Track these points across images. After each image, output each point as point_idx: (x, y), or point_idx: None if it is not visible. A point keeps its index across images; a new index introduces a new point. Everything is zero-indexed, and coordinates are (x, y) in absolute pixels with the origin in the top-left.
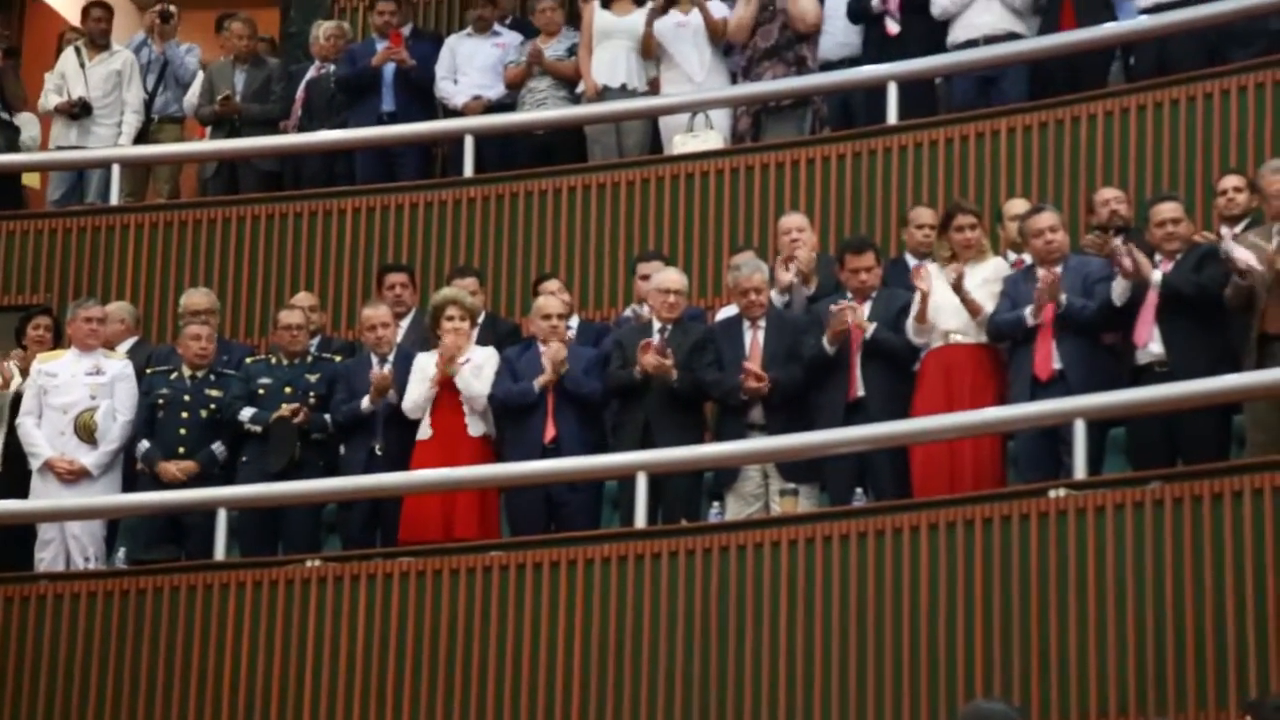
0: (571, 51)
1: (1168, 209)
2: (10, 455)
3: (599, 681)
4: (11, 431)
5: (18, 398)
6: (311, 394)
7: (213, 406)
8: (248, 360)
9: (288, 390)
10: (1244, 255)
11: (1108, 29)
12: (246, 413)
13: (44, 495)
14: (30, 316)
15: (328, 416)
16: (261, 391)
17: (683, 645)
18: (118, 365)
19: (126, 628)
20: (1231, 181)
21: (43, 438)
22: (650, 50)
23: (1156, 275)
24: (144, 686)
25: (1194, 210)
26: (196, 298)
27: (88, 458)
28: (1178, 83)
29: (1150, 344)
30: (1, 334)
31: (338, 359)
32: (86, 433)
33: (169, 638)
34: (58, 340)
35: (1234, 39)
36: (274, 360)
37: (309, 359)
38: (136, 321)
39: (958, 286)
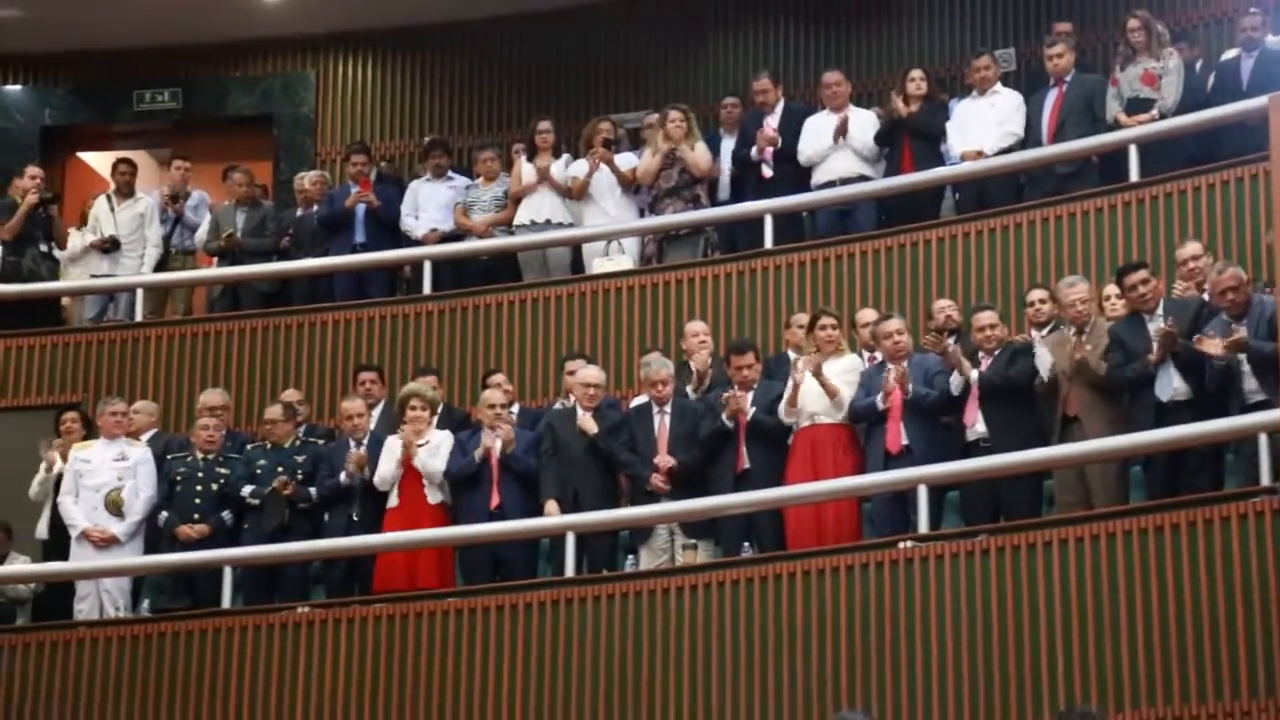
0: (506, 194)
1: (985, 316)
2: (55, 526)
3: (536, 702)
4: (55, 508)
5: (59, 480)
6: (299, 472)
7: (221, 482)
8: (248, 446)
9: (280, 470)
10: (1045, 362)
11: (938, 172)
12: (247, 489)
13: (81, 558)
14: (64, 411)
15: (312, 490)
16: (259, 470)
17: (604, 672)
18: (139, 452)
19: (150, 666)
20: (1037, 294)
21: (79, 513)
22: (581, 195)
23: (974, 374)
24: (165, 713)
25: (1009, 317)
26: (213, 396)
27: (117, 528)
28: (994, 215)
29: (977, 425)
30: (43, 427)
31: (320, 443)
32: (115, 508)
33: (185, 673)
34: (87, 432)
35: (1033, 181)
36: (268, 445)
37: (297, 443)
38: (158, 416)
39: (817, 372)
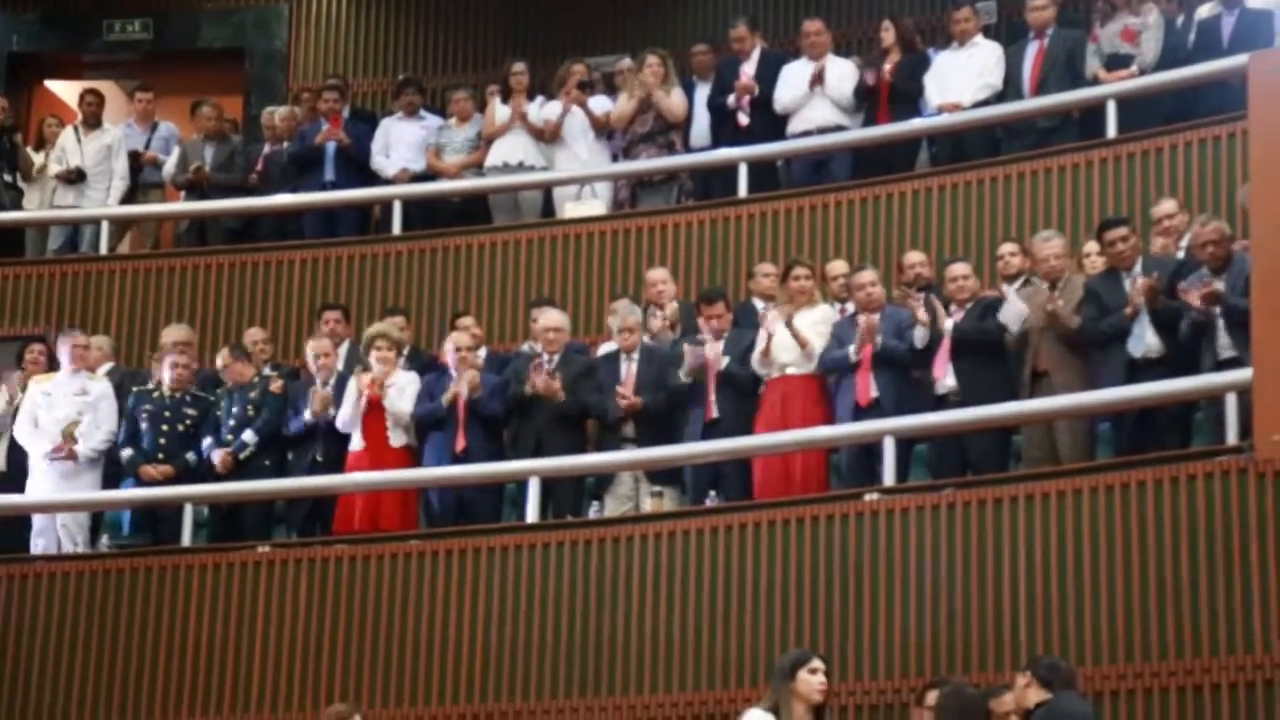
0: (479, 135)
1: (958, 268)
2: (11, 459)
3: (497, 646)
4: (12, 440)
5: (16, 411)
6: (250, 408)
7: (188, 422)
8: (219, 390)
9: (234, 409)
10: (1016, 312)
11: (914, 124)
12: (207, 441)
13: (39, 491)
14: (28, 344)
15: (246, 436)
16: (219, 413)
17: (567, 618)
18: (100, 386)
19: (108, 602)
20: (1008, 248)
21: (36, 435)
22: (554, 137)
23: (949, 324)
24: (122, 651)
25: (983, 271)
26: (176, 332)
27: (78, 448)
28: (969, 168)
29: (947, 378)
30: (5, 358)
31: (274, 378)
32: (71, 440)
33: (144, 611)
34: (51, 365)
35: (1011, 134)
36: (229, 387)
37: (257, 379)
38: (114, 350)
39: (789, 323)
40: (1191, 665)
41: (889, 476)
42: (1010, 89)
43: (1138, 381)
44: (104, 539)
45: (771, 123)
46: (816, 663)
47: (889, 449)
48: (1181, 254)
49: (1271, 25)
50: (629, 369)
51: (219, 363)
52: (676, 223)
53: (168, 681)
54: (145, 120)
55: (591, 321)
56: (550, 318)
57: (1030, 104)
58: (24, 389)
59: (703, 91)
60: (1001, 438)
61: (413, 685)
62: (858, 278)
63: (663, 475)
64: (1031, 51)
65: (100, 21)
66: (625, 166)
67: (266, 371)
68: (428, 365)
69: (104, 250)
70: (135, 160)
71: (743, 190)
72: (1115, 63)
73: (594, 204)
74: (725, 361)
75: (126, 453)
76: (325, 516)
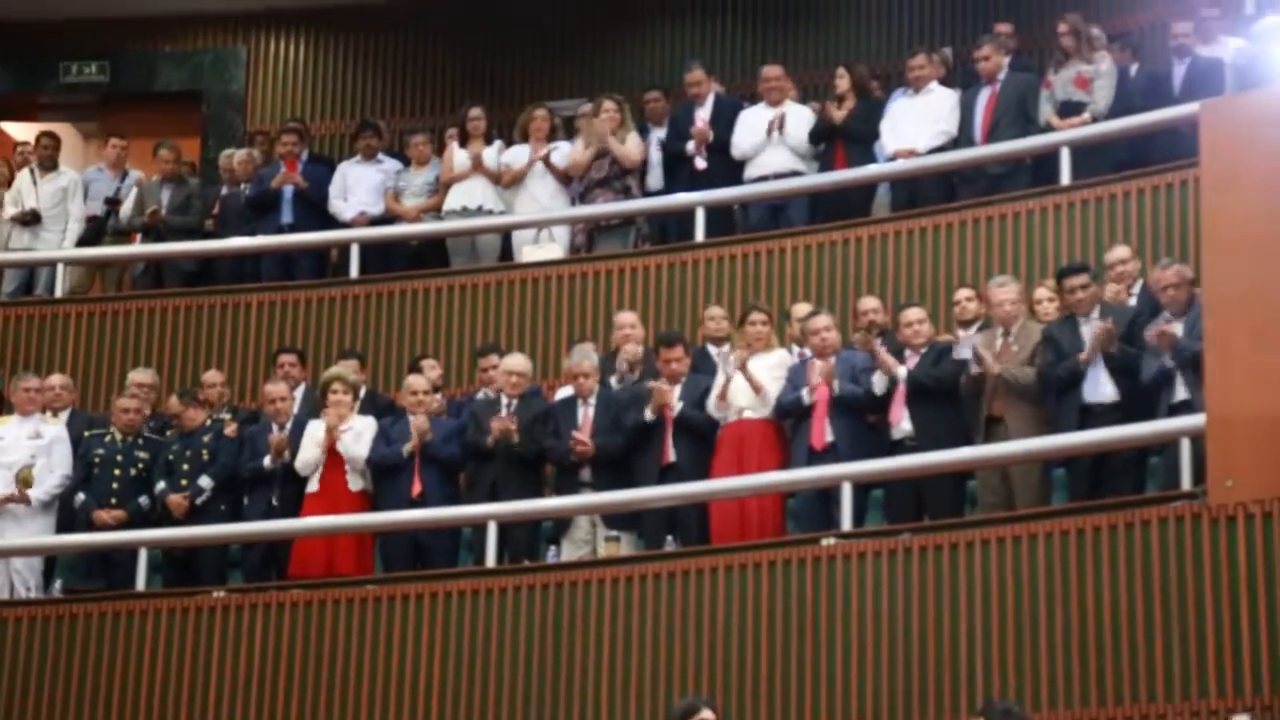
0: (437, 179)
1: (913, 313)
2: None
3: (454, 692)
4: None
5: None
6: (204, 452)
7: (140, 466)
8: (168, 432)
9: (188, 453)
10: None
11: (871, 169)
12: (160, 484)
13: None
14: None
15: (202, 481)
16: (171, 458)
17: (524, 663)
18: (54, 430)
19: (61, 647)
20: (964, 293)
21: None
22: (512, 183)
23: (901, 371)
24: (75, 696)
25: (938, 317)
26: (141, 375)
27: (31, 493)
28: (924, 214)
29: (903, 423)
30: None
31: (227, 421)
32: (25, 485)
33: (97, 655)
34: (2, 408)
35: (964, 181)
36: (180, 431)
37: (209, 423)
38: (70, 392)
39: (742, 367)
40: (1146, 710)
41: (846, 521)
42: (964, 134)
43: (1092, 427)
44: (57, 583)
45: (728, 167)
46: (706, 713)
47: (846, 494)
48: (1133, 300)
49: (1222, 74)
50: (586, 414)
51: (169, 410)
52: (634, 266)
53: None
54: (117, 167)
55: (550, 365)
56: (513, 363)
57: (987, 150)
58: None
59: (656, 136)
60: (956, 482)
61: None
62: (812, 323)
63: (620, 520)
64: (983, 98)
65: (57, 63)
66: (582, 210)
67: (222, 415)
68: (384, 409)
69: (59, 293)
70: (117, 207)
71: (700, 234)
72: (1068, 109)
73: (552, 248)
74: (680, 407)
75: (80, 497)
76: (281, 561)
